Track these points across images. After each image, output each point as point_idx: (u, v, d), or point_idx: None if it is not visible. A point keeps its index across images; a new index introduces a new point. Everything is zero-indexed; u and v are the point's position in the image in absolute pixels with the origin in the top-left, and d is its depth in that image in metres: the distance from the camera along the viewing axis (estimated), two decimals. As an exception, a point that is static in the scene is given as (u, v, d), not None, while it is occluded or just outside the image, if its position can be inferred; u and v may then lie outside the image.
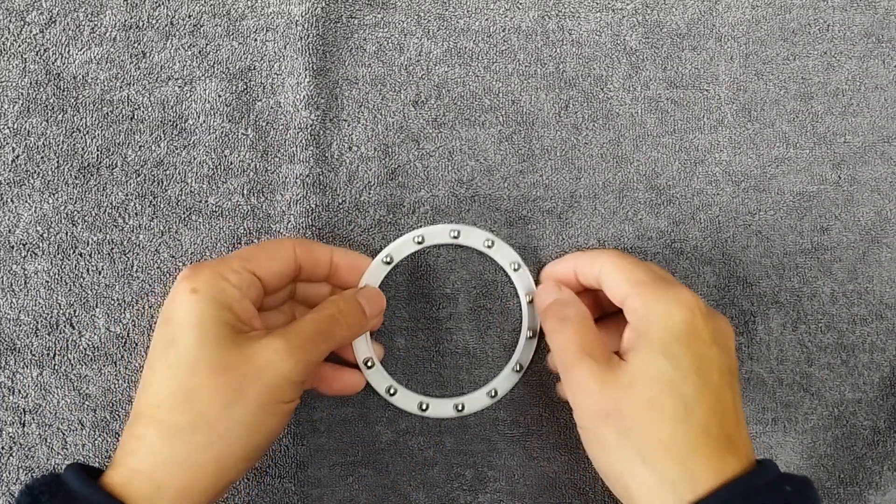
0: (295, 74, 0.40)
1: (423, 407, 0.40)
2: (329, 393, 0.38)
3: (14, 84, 0.39)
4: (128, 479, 0.30)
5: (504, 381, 0.41)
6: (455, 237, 0.40)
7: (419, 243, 0.40)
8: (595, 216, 0.42)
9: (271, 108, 0.40)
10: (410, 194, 0.41)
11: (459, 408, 0.40)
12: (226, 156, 0.40)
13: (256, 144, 0.40)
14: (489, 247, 0.40)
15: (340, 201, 0.41)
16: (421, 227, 0.41)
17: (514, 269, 0.41)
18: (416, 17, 0.42)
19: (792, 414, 0.43)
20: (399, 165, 0.41)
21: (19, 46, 0.40)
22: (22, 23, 0.40)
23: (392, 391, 0.40)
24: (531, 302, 0.41)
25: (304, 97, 0.40)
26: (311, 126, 0.40)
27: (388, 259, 0.39)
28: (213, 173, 0.40)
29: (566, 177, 0.42)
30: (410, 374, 0.41)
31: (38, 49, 0.40)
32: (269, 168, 0.40)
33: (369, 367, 0.39)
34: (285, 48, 0.40)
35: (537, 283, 0.41)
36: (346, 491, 0.40)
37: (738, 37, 0.43)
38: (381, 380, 0.40)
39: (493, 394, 0.41)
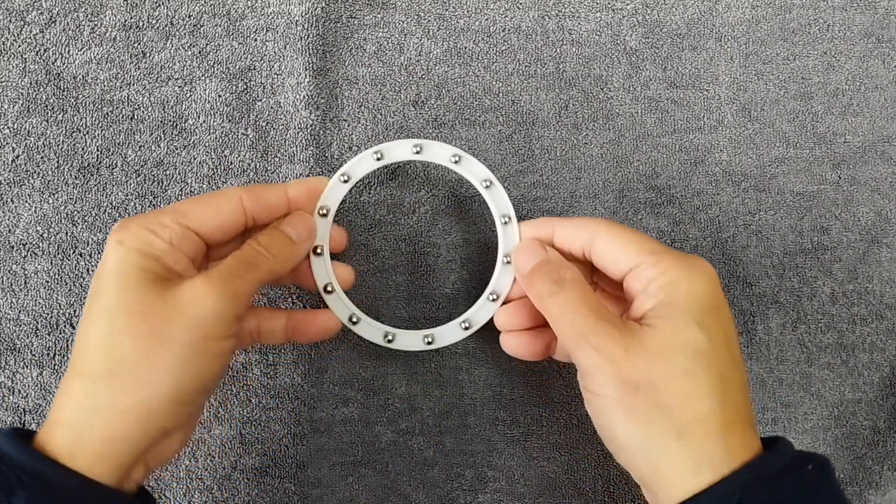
0: (295, 74, 0.40)
1: (389, 338, 0.37)
2: (306, 339, 0.37)
3: (14, 84, 0.39)
4: (51, 434, 0.29)
5: (479, 311, 0.38)
6: (417, 152, 0.37)
7: (378, 160, 0.37)
8: (595, 216, 0.42)
9: (271, 108, 0.40)
10: (410, 194, 0.41)
11: (429, 340, 0.38)
12: (226, 156, 0.40)
13: (256, 144, 0.40)
14: (456, 162, 0.37)
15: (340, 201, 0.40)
16: (420, 223, 0.41)
17: (486, 187, 0.37)
18: (416, 17, 0.42)
19: (792, 414, 0.43)
20: (399, 165, 0.41)
21: (19, 46, 0.40)
22: (22, 23, 0.40)
23: (354, 319, 0.37)
24: (506, 223, 0.37)
25: (304, 97, 0.40)
26: (311, 126, 0.40)
27: (346, 177, 0.37)
28: (213, 173, 0.40)
29: (566, 177, 0.42)
30: (409, 372, 0.41)
31: (38, 49, 0.40)
32: (269, 168, 0.40)
33: (329, 293, 0.37)
34: (285, 48, 0.40)
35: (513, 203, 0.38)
36: (346, 491, 0.40)
37: (738, 37, 0.43)
38: (342, 308, 0.37)
39: (466, 325, 0.38)
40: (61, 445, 0.29)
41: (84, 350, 0.30)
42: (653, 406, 0.30)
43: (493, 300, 0.38)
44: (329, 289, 0.37)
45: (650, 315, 0.31)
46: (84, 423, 0.29)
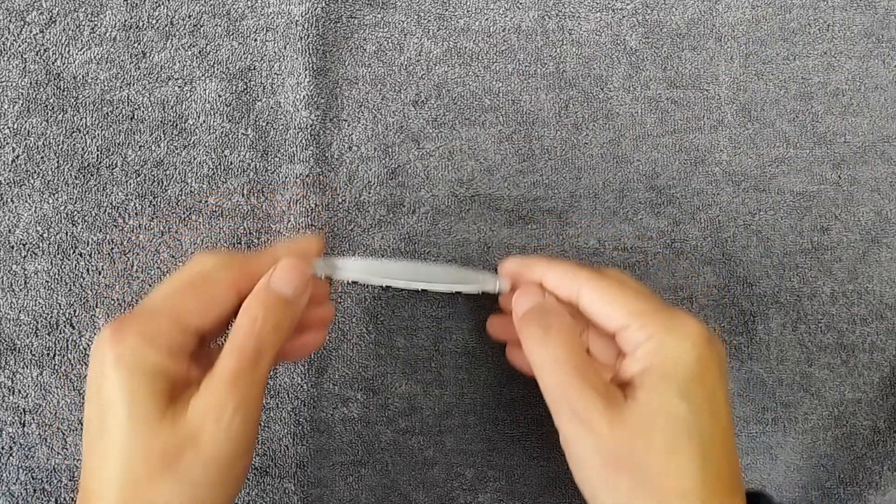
0: (295, 74, 0.40)
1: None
2: (291, 359, 0.36)
3: (14, 84, 0.39)
4: None
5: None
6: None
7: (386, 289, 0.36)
8: (595, 216, 0.42)
9: (271, 108, 0.40)
10: (410, 194, 0.41)
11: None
12: (226, 156, 0.40)
13: (256, 144, 0.40)
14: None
15: (340, 201, 0.41)
16: (420, 223, 0.41)
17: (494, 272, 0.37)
18: (416, 17, 0.42)
19: (792, 414, 0.43)
20: (399, 165, 0.41)
21: (19, 46, 0.40)
22: (22, 23, 0.40)
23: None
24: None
25: (304, 97, 0.40)
26: (311, 126, 0.40)
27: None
28: (213, 173, 0.40)
29: (566, 177, 0.42)
30: (409, 372, 0.41)
31: (38, 49, 0.40)
32: (269, 168, 0.40)
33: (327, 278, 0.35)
34: (285, 48, 0.40)
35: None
36: (347, 491, 0.40)
37: (738, 37, 0.43)
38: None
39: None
40: None
41: (107, 489, 0.28)
42: (636, 485, 0.29)
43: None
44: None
45: (635, 383, 0.31)
46: None
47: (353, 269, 0.35)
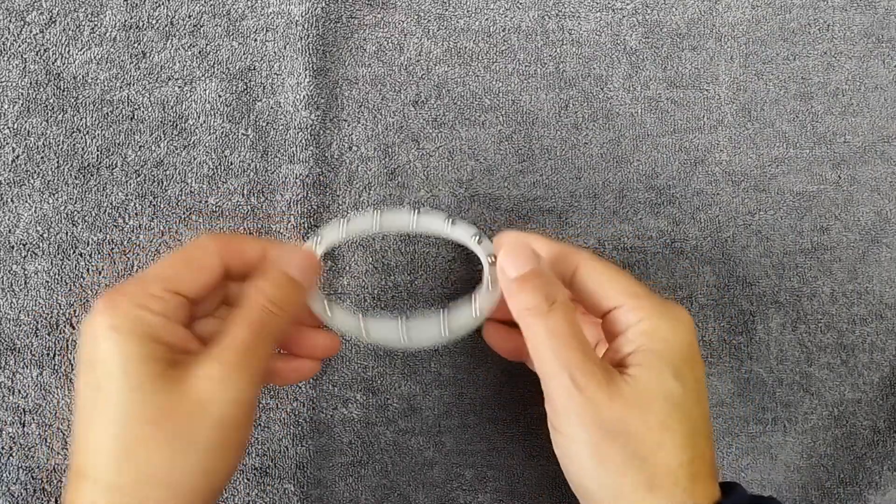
0: (295, 74, 0.40)
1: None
2: (280, 382, 0.36)
3: (14, 84, 0.39)
4: None
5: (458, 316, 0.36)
6: (418, 213, 0.37)
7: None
8: (595, 216, 0.42)
9: (271, 108, 0.40)
10: (410, 194, 0.41)
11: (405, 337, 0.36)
12: (226, 156, 0.40)
13: (256, 144, 0.40)
14: (452, 224, 0.36)
15: (340, 201, 0.41)
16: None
17: (477, 242, 0.36)
18: (416, 17, 0.42)
19: (792, 414, 0.43)
20: (399, 165, 0.41)
21: (19, 46, 0.40)
22: (22, 23, 0.40)
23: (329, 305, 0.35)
24: (493, 263, 0.35)
25: (304, 97, 0.40)
26: (311, 126, 0.40)
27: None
28: (213, 173, 0.40)
29: (566, 177, 0.42)
30: (409, 372, 0.41)
31: (38, 49, 0.40)
32: (269, 168, 0.40)
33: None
34: (285, 48, 0.40)
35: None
36: (347, 491, 0.40)
37: (738, 37, 0.43)
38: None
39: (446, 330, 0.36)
40: None
41: (101, 457, 0.28)
42: (629, 457, 0.30)
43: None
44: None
45: (629, 361, 0.31)
46: None
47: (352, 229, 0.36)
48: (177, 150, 0.40)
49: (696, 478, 0.30)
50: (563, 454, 0.32)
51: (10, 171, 0.39)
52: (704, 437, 0.31)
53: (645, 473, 0.30)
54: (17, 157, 0.39)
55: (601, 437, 0.30)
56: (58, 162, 0.39)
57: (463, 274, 0.41)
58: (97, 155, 0.40)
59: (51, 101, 0.40)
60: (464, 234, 0.36)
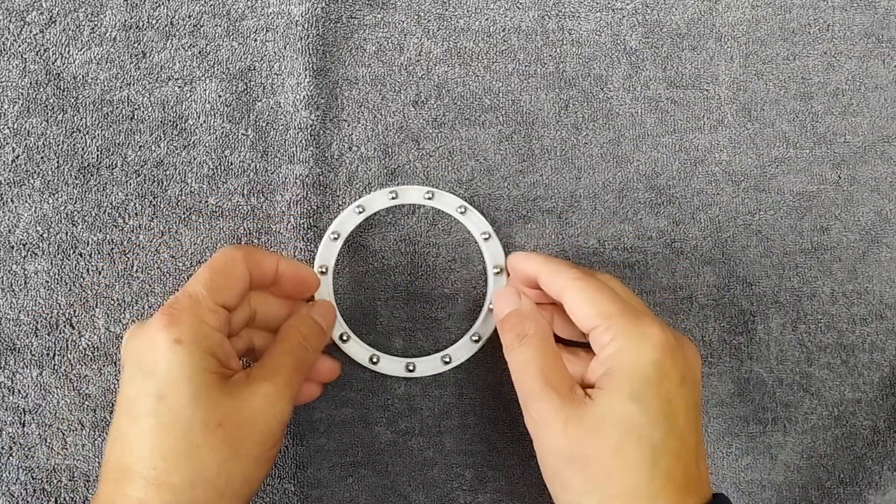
0: (295, 74, 0.40)
1: (374, 360, 0.40)
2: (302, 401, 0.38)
3: (14, 84, 0.39)
4: None
5: (460, 349, 0.40)
6: (429, 198, 0.40)
7: (393, 199, 0.40)
8: (595, 216, 0.42)
9: (271, 108, 0.40)
10: (410, 194, 0.41)
11: (410, 368, 0.40)
12: (226, 156, 0.40)
13: (256, 144, 0.40)
14: (461, 213, 0.40)
15: (340, 201, 0.41)
16: (420, 223, 0.41)
17: (485, 239, 0.40)
18: (416, 17, 0.42)
19: (792, 414, 0.43)
20: (399, 165, 0.41)
21: (19, 46, 0.40)
22: (22, 23, 0.40)
23: (344, 338, 0.40)
24: (498, 273, 0.40)
25: (304, 97, 0.40)
26: (311, 126, 0.40)
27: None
28: (213, 173, 0.40)
29: (566, 177, 0.42)
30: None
31: (38, 49, 0.40)
32: (269, 168, 0.40)
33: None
34: (285, 48, 0.40)
35: (508, 253, 0.41)
36: (346, 491, 0.40)
37: (738, 37, 0.43)
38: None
39: (447, 360, 0.40)
40: None
41: (158, 459, 0.30)
42: (585, 480, 0.31)
43: (476, 341, 0.40)
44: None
45: (592, 383, 0.33)
46: None
47: None
48: (177, 150, 0.40)
49: (659, 496, 0.31)
50: (543, 472, 0.34)
51: (10, 171, 0.39)
52: (675, 456, 0.31)
53: (600, 495, 0.31)
54: (17, 157, 0.39)
55: (562, 461, 0.32)
56: (58, 162, 0.39)
57: (463, 274, 0.41)
58: (97, 155, 0.40)
59: (51, 101, 0.40)
60: (473, 229, 0.41)
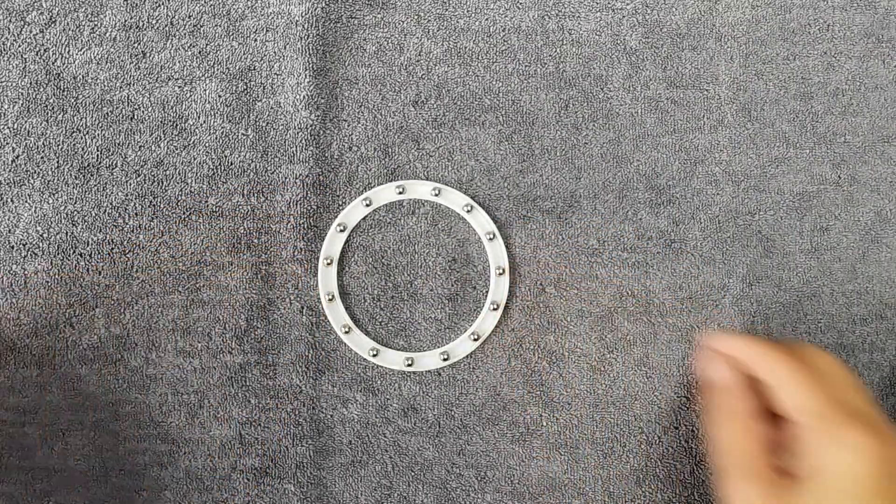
0: (295, 74, 0.40)
1: (374, 353, 0.40)
2: None
3: (14, 84, 0.39)
4: None
5: (458, 346, 0.41)
6: (436, 195, 0.41)
7: (400, 193, 0.41)
8: (595, 216, 0.42)
9: (271, 108, 0.40)
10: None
11: (409, 362, 0.40)
12: (226, 156, 0.40)
13: (256, 145, 0.40)
14: (468, 211, 0.41)
15: (340, 201, 0.41)
16: (420, 223, 0.41)
17: (489, 239, 0.41)
18: (416, 17, 0.42)
19: (792, 414, 0.43)
20: (399, 165, 0.41)
21: (19, 46, 0.40)
22: (22, 23, 0.40)
23: (346, 329, 0.40)
24: (501, 274, 0.41)
25: (304, 97, 0.40)
26: (311, 126, 0.40)
27: (368, 201, 0.40)
28: (213, 173, 0.40)
29: (566, 177, 0.42)
30: (409, 373, 0.41)
31: (38, 49, 0.40)
32: (269, 168, 0.40)
33: (330, 300, 0.40)
34: (285, 48, 0.40)
35: (510, 254, 0.41)
36: (346, 491, 0.40)
37: (738, 37, 0.43)
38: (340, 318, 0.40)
39: (445, 357, 0.41)
40: None
41: None
42: None
43: (475, 340, 0.41)
44: (330, 297, 0.40)
45: (795, 474, 0.34)
46: None
47: None
48: (177, 150, 0.40)
49: None
50: None
51: (10, 171, 0.39)
52: None
53: None
54: (17, 157, 0.39)
55: None
56: (58, 162, 0.39)
57: (463, 274, 0.41)
58: (97, 155, 0.40)
59: (51, 101, 0.40)
60: (478, 228, 0.41)
